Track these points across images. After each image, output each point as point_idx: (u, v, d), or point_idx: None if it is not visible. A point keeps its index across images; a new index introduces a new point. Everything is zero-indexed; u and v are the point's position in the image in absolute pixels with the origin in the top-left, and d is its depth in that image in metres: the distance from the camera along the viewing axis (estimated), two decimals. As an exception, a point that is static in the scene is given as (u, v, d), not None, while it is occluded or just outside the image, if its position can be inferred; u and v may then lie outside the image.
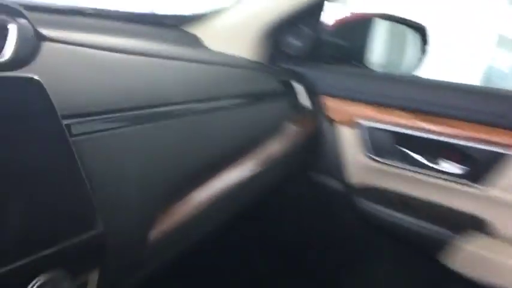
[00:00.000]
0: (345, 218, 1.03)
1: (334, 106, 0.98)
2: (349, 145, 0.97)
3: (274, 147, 0.87)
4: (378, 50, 1.11)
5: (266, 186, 0.91)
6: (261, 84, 0.89)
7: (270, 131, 0.87)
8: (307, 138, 0.98)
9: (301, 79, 0.99)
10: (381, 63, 1.12)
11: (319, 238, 1.11)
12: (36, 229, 0.38)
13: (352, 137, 0.97)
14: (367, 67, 1.11)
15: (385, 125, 0.93)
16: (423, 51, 1.23)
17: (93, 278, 0.44)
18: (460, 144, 0.85)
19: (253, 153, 0.81)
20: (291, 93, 0.97)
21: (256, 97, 0.85)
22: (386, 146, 0.93)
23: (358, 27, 1.13)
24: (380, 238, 0.99)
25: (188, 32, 0.94)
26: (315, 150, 1.00)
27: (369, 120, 0.94)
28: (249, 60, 0.93)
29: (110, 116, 0.50)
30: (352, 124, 0.96)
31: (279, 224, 1.15)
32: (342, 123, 0.98)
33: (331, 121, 0.98)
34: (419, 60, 1.23)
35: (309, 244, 1.13)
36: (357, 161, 0.97)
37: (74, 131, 0.44)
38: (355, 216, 0.98)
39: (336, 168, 0.99)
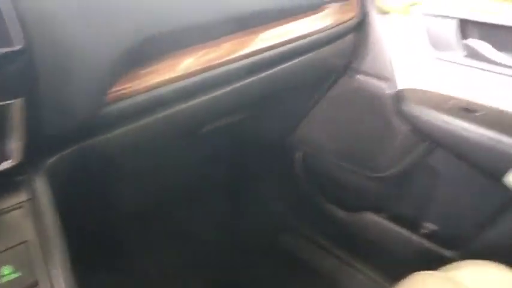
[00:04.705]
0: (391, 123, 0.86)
1: None
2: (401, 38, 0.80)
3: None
4: None
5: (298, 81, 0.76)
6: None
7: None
8: (349, 30, 0.80)
9: None
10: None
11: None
12: None
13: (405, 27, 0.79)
14: None
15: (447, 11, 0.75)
16: None
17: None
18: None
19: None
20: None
21: None
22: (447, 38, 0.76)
23: None
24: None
25: None
26: (359, 45, 0.83)
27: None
28: None
29: None
30: (406, 11, 0.79)
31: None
32: (394, 11, 0.80)
33: (379, 9, 0.81)
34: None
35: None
36: (409, 58, 0.80)
37: None
38: (400, 119, 0.82)
39: (382, 66, 0.82)
